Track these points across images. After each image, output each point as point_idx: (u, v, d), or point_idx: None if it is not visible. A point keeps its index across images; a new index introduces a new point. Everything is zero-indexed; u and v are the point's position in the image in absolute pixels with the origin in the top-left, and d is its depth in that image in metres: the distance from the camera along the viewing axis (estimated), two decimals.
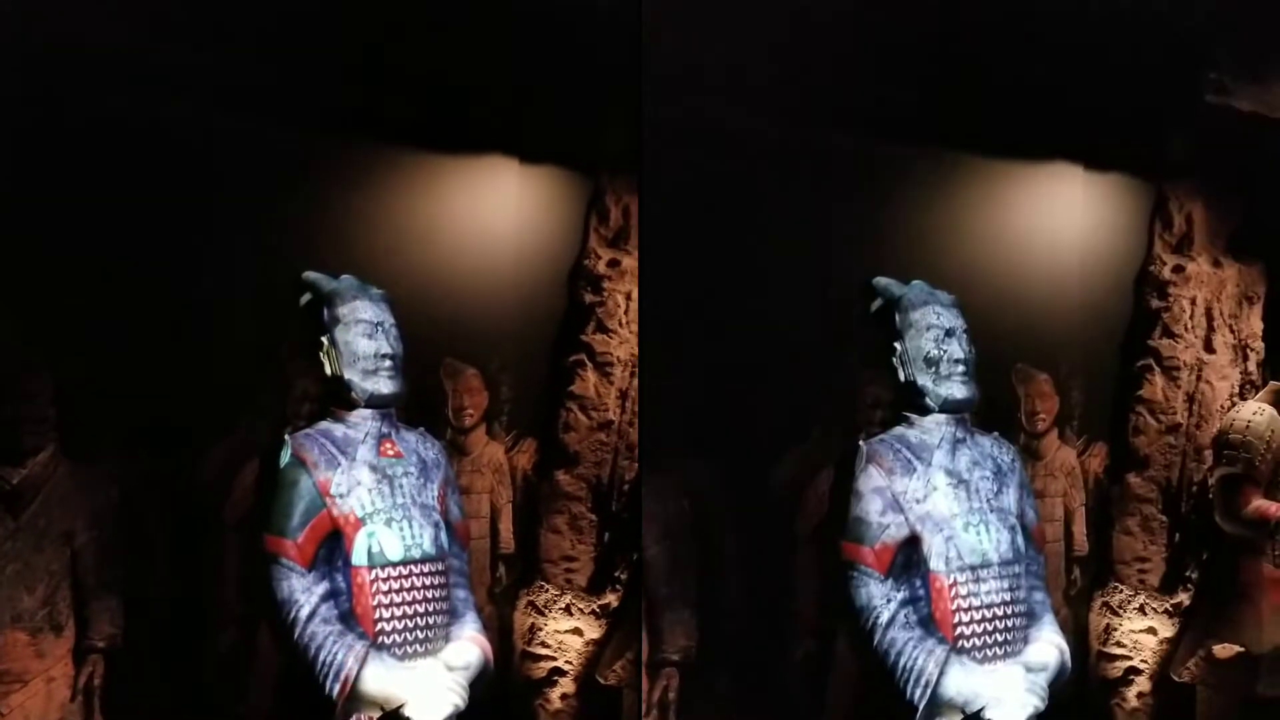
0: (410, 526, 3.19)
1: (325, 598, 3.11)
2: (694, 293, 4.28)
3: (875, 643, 3.20)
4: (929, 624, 3.19)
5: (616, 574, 4.51)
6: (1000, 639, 3.22)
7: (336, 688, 3.03)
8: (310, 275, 3.34)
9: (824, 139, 4.42)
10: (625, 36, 4.21)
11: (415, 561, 3.18)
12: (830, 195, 4.40)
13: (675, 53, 4.20)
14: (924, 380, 3.30)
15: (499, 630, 4.44)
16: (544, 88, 4.40)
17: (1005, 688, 3.14)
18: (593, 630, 4.51)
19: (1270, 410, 4.30)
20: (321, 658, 3.05)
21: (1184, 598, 4.65)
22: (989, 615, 3.22)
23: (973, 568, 3.21)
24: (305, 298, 3.33)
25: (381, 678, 3.05)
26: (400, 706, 3.07)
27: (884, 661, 3.18)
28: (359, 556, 3.14)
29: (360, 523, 3.16)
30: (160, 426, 3.94)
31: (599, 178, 4.56)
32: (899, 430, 3.35)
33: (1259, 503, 4.22)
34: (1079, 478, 4.70)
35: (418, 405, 3.68)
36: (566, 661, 4.50)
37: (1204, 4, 4.52)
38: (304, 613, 3.08)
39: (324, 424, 3.27)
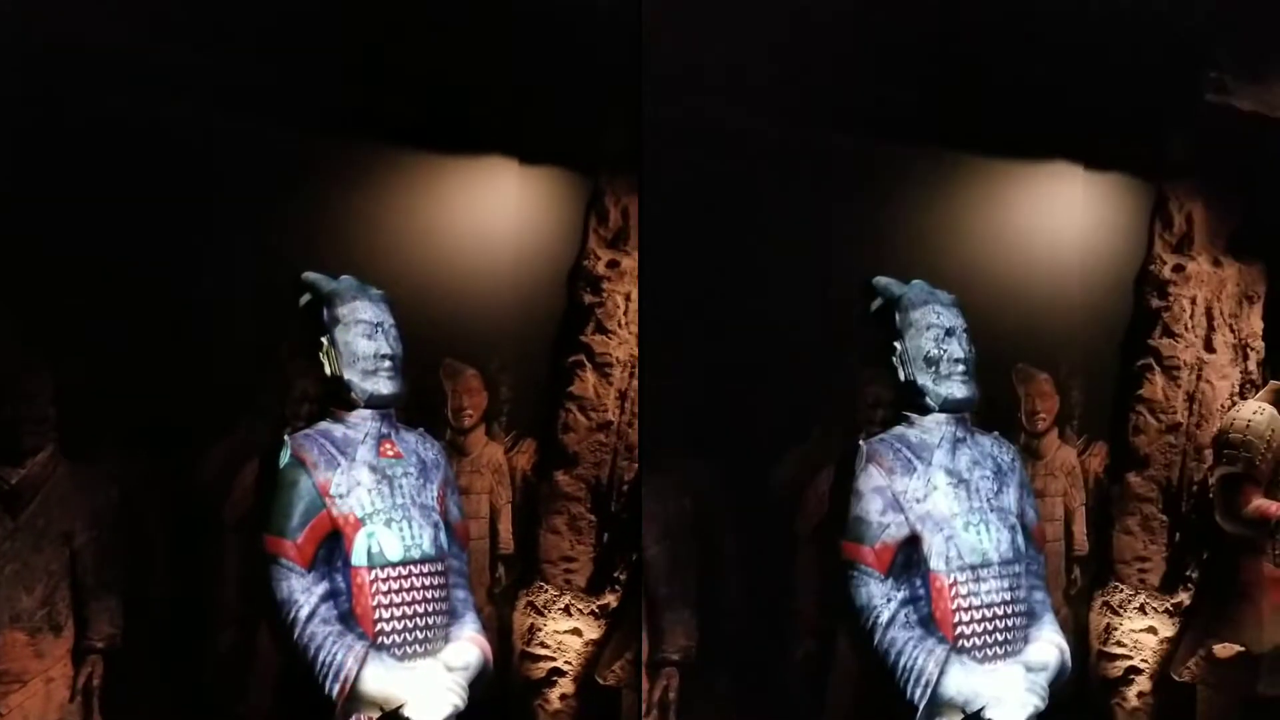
0: (410, 527, 3.19)
1: (325, 598, 3.10)
2: (694, 293, 4.28)
3: (875, 642, 3.19)
4: (929, 623, 3.18)
5: (615, 574, 4.51)
6: (1000, 638, 3.21)
7: (336, 688, 3.03)
8: (310, 275, 3.34)
9: (824, 139, 4.42)
10: (625, 36, 4.21)
11: (415, 562, 3.17)
12: (830, 195, 4.40)
13: (675, 53, 4.20)
14: (924, 380, 3.30)
15: (498, 631, 4.44)
16: (544, 88, 4.40)
17: (1005, 687, 3.14)
18: (592, 631, 4.51)
19: (1270, 409, 4.30)
20: (321, 658, 3.04)
21: (1184, 597, 4.65)
22: (989, 615, 3.21)
23: (973, 567, 3.21)
24: (305, 298, 3.33)
25: (381, 678, 3.05)
26: (400, 707, 3.06)
27: (884, 661, 3.17)
28: (358, 557, 3.14)
29: (360, 523, 3.15)
30: (160, 426, 3.94)
31: (598, 178, 4.56)
32: (899, 430, 3.35)
33: (1259, 502, 4.22)
34: (1079, 477, 4.70)
35: (417, 406, 3.68)
36: (566, 662, 4.50)
37: (1204, 4, 4.52)
38: (303, 613, 3.08)
39: (323, 424, 3.26)
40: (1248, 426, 4.27)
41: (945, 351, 3.29)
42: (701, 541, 4.42)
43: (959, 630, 3.18)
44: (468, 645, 3.22)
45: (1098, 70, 4.43)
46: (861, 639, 3.24)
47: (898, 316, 3.35)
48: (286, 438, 3.22)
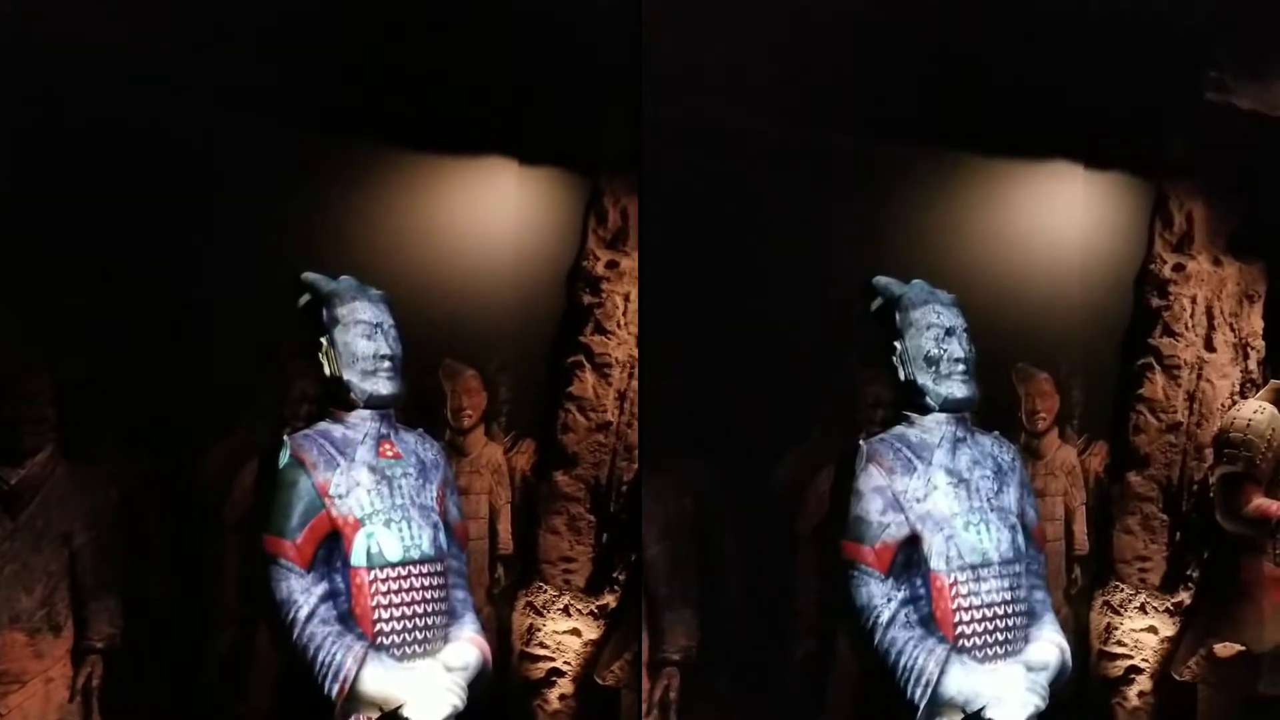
0: (409, 527, 3.19)
1: (324, 598, 3.10)
2: (694, 293, 4.28)
3: (876, 642, 3.19)
4: (929, 623, 3.18)
5: (615, 575, 4.52)
6: (1001, 638, 3.21)
7: (335, 688, 3.02)
8: (309, 276, 3.33)
9: (824, 139, 4.42)
10: (625, 36, 4.20)
11: (414, 562, 3.17)
12: (830, 195, 4.40)
13: (675, 53, 4.20)
14: (924, 379, 3.30)
15: (497, 631, 4.45)
16: (544, 88, 4.40)
17: (1006, 687, 3.14)
18: (591, 631, 4.50)
19: (1271, 409, 4.29)
20: (320, 658, 3.04)
21: (1185, 596, 4.65)
22: (989, 614, 3.21)
23: (973, 567, 3.20)
24: (304, 298, 3.32)
25: (380, 678, 3.05)
26: (399, 707, 3.06)
27: (884, 661, 3.17)
28: (358, 557, 3.13)
29: (359, 523, 3.15)
30: (160, 426, 3.94)
31: (598, 179, 4.56)
32: (899, 429, 3.34)
33: (1260, 501, 4.22)
34: (1079, 476, 4.70)
35: (416, 406, 3.69)
36: (565, 662, 4.50)
37: (1204, 4, 4.52)
38: (303, 613, 3.07)
39: (323, 425, 3.26)
40: (1248, 426, 4.27)
41: (945, 351, 3.29)
42: (702, 541, 4.42)
43: (959, 630, 3.17)
44: (467, 646, 3.22)
45: (1098, 70, 4.43)
46: (862, 639, 3.24)
47: (898, 316, 3.34)
48: (286, 438, 3.22)
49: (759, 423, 4.36)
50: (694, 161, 4.28)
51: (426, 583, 3.18)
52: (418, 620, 3.15)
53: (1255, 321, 4.75)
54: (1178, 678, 4.56)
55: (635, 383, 4.49)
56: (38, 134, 3.82)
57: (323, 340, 3.25)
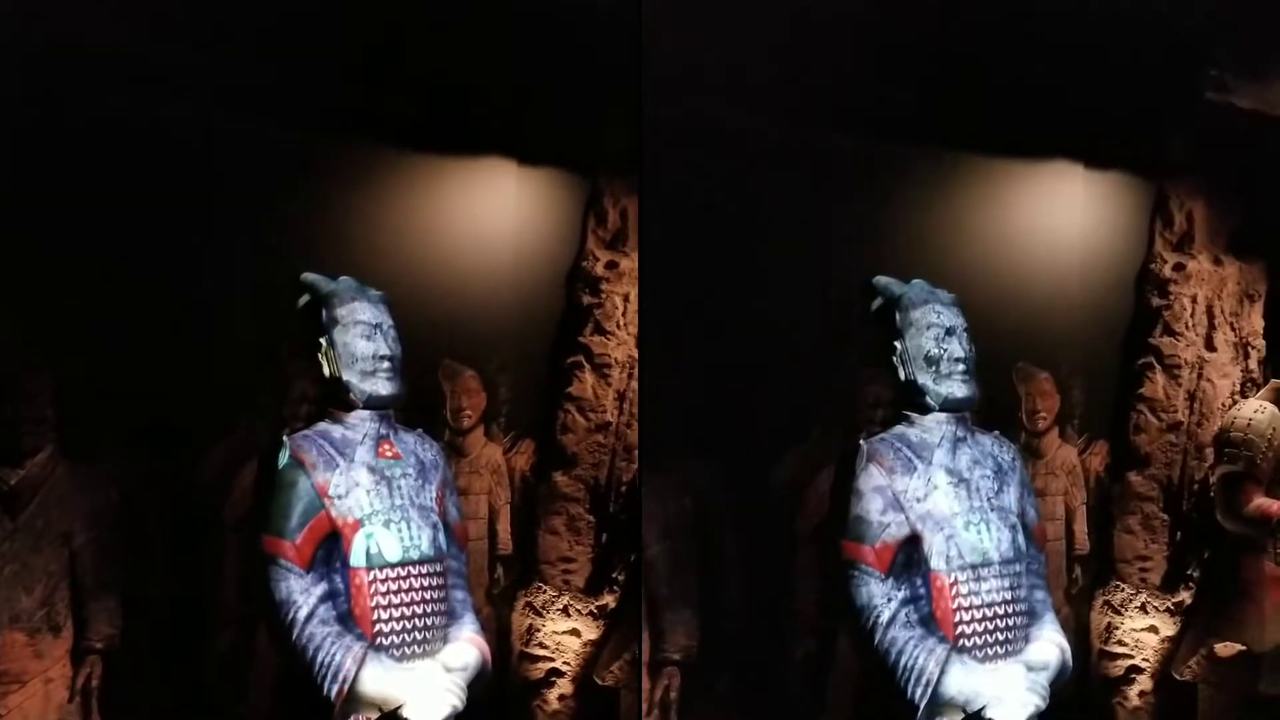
0: (408, 528, 3.19)
1: (324, 599, 3.10)
2: (694, 293, 4.28)
3: (876, 642, 3.19)
4: (930, 623, 3.18)
5: (614, 575, 4.51)
6: (1001, 638, 3.21)
7: (335, 689, 3.02)
8: (309, 276, 3.33)
9: (824, 139, 4.42)
10: (625, 36, 4.20)
11: (413, 563, 3.17)
12: (830, 195, 4.40)
13: (675, 53, 4.20)
14: (924, 379, 3.29)
15: (497, 631, 4.44)
16: (544, 88, 4.39)
17: (1006, 687, 3.13)
18: (590, 631, 4.50)
19: (1271, 408, 4.29)
20: (320, 659, 3.04)
21: (1185, 596, 4.65)
22: (990, 614, 3.20)
23: (973, 566, 3.20)
24: (304, 299, 3.32)
25: (380, 679, 3.05)
26: (398, 707, 3.06)
27: (885, 661, 3.17)
28: (357, 558, 3.13)
29: (358, 524, 3.15)
30: (160, 426, 3.94)
31: (597, 179, 4.56)
32: (899, 429, 3.34)
33: (1260, 501, 4.22)
34: (1080, 476, 4.70)
35: (416, 406, 3.68)
36: (564, 662, 4.50)
37: (1204, 4, 4.52)
38: (302, 614, 3.07)
39: (322, 425, 3.26)
40: (1249, 425, 4.27)
41: (946, 351, 3.28)
42: (702, 541, 4.42)
43: (960, 630, 3.17)
44: (466, 646, 3.22)
45: (1098, 70, 4.42)
46: (862, 639, 3.24)
47: (898, 316, 3.34)
48: (285, 438, 3.22)
49: (759, 423, 4.36)
50: (694, 161, 4.28)
51: (426, 583, 3.18)
52: (417, 621, 3.15)
53: (1256, 321, 4.74)
54: (1178, 677, 4.55)
55: (634, 383, 4.48)
56: (38, 134, 3.82)
57: (322, 341, 3.25)
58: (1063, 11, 4.42)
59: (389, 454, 3.24)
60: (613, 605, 4.50)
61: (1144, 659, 4.64)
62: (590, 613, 4.51)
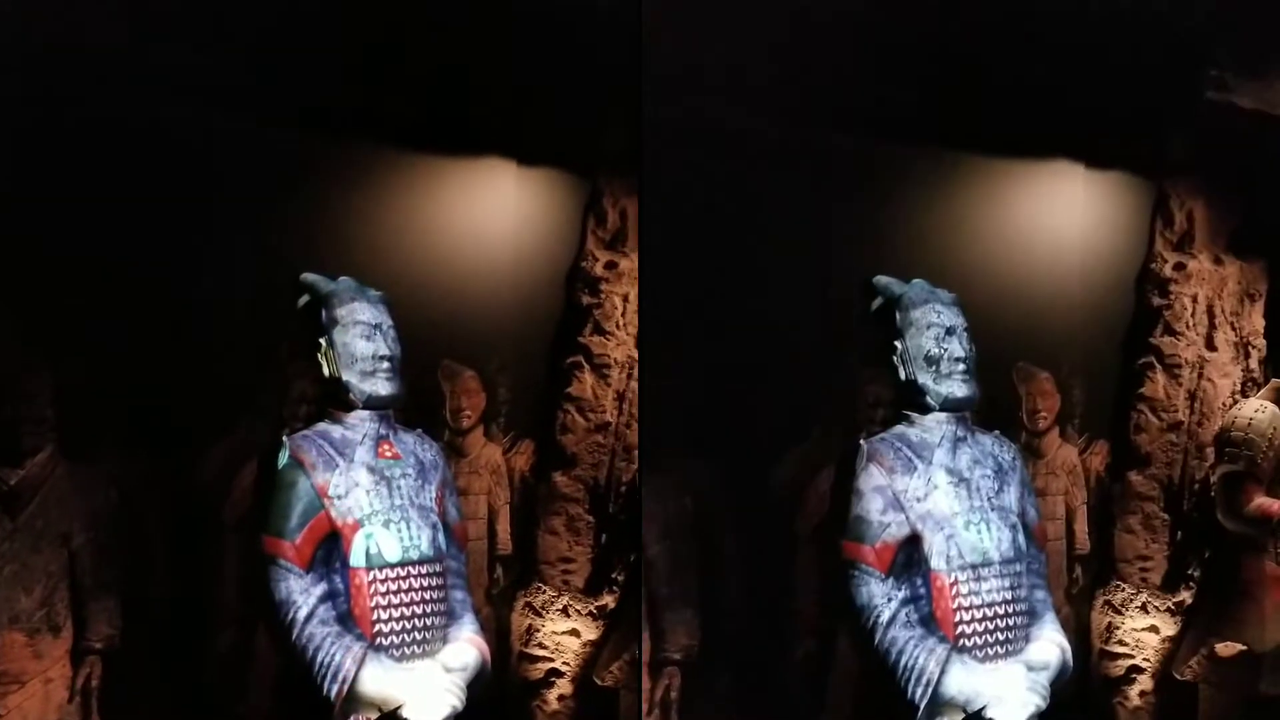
0: (408, 528, 3.19)
1: (323, 599, 3.10)
2: (694, 293, 4.28)
3: (876, 642, 3.19)
4: (930, 623, 3.18)
5: (614, 575, 4.51)
6: (1001, 638, 3.21)
7: (334, 689, 3.02)
8: (308, 277, 3.34)
9: (824, 139, 4.42)
10: (625, 36, 4.20)
11: (413, 563, 3.17)
12: (830, 195, 4.40)
13: (675, 53, 4.20)
14: (925, 379, 3.29)
15: (496, 631, 4.44)
16: (544, 88, 4.39)
17: (1007, 686, 3.13)
18: (590, 631, 4.50)
19: (1272, 408, 4.29)
20: (319, 659, 3.04)
21: (1186, 596, 4.64)
22: (990, 614, 3.20)
23: (974, 566, 3.20)
24: (303, 299, 3.32)
25: (379, 679, 3.05)
26: (398, 708, 3.06)
27: (885, 660, 3.17)
28: (357, 558, 3.13)
29: (358, 524, 3.15)
30: (160, 426, 3.95)
31: (597, 179, 4.56)
32: (900, 429, 3.34)
33: (1261, 500, 4.22)
34: (1080, 476, 4.70)
35: (415, 407, 3.68)
36: (564, 663, 4.50)
37: (1204, 4, 4.51)
38: (302, 614, 3.08)
39: (322, 425, 3.26)
40: (1249, 425, 4.27)
41: (946, 350, 3.28)
42: (702, 541, 4.42)
43: (960, 629, 3.17)
44: (466, 646, 3.22)
45: (1098, 70, 4.42)
46: (862, 638, 3.24)
47: (898, 316, 3.34)
48: (285, 439, 3.22)
49: (759, 423, 4.36)
50: (694, 161, 4.28)
51: (425, 583, 3.18)
52: (417, 621, 3.15)
53: (1256, 320, 4.74)
54: (1179, 677, 4.55)
55: (634, 383, 4.48)
56: (38, 134, 3.82)
57: (322, 341, 3.25)
58: (1063, 11, 4.42)
59: (389, 454, 3.24)
60: (612, 605, 4.50)
61: (1144, 659, 4.63)
62: (590, 613, 4.51)
